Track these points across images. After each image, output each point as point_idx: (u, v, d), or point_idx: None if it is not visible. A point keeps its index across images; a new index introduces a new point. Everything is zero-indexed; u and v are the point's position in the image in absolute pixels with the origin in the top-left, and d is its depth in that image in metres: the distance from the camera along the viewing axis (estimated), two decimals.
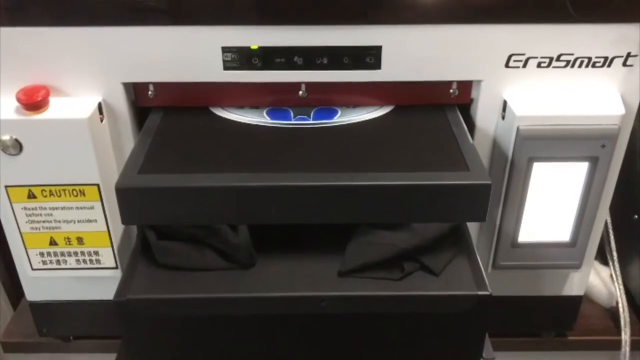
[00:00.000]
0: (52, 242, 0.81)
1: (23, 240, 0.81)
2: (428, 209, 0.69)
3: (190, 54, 0.75)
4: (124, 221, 0.70)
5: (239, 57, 0.76)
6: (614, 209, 0.90)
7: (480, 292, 0.70)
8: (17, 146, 0.74)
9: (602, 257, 1.02)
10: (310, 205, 0.69)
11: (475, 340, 0.74)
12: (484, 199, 0.69)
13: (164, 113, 0.81)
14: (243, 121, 0.79)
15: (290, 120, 0.79)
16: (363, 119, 0.79)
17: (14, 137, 0.74)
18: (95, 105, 0.76)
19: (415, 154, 0.73)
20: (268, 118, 0.79)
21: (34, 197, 0.78)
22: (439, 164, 0.71)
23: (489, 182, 0.68)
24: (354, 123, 0.79)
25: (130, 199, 0.68)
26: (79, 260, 0.83)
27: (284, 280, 0.72)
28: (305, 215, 0.69)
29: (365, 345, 0.75)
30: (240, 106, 0.82)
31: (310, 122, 0.79)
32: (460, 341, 0.74)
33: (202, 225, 0.72)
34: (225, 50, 0.75)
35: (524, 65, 0.77)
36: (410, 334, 0.74)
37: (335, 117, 0.80)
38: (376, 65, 0.76)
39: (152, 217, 0.71)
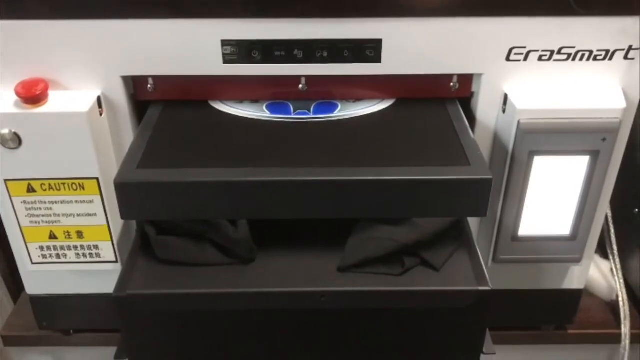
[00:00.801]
0: (52, 236, 0.81)
1: (23, 234, 0.81)
2: (429, 204, 0.69)
3: (189, 47, 0.75)
4: (123, 216, 0.70)
5: (238, 51, 0.75)
6: (614, 202, 0.90)
7: (480, 288, 0.70)
8: (16, 140, 0.74)
9: (603, 250, 1.02)
10: (310, 200, 0.68)
11: (476, 335, 0.74)
12: (485, 194, 0.68)
13: (163, 107, 0.81)
14: (242, 115, 0.79)
15: (290, 114, 0.79)
16: (363, 113, 0.79)
17: (13, 130, 0.73)
18: (95, 98, 0.76)
19: (416, 149, 0.73)
20: (268, 112, 0.79)
21: (34, 191, 0.78)
22: (439, 158, 0.71)
23: (490, 176, 0.67)
24: (354, 117, 0.78)
25: (129, 194, 0.68)
26: (78, 254, 0.83)
27: (284, 275, 0.72)
28: (305, 210, 0.69)
29: (366, 340, 0.74)
30: (240, 100, 0.82)
31: (311, 116, 0.78)
32: (460, 336, 0.74)
33: (201, 220, 0.72)
34: (224, 43, 0.75)
35: (525, 59, 0.76)
36: (411, 329, 0.74)
37: (336, 112, 0.79)
38: (376, 58, 0.76)
39: (152, 212, 0.70)
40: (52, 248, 0.82)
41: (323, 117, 0.78)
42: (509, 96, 0.77)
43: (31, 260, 0.83)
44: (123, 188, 0.67)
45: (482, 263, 0.73)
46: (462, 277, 0.71)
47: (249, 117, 0.78)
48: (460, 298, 0.70)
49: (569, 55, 0.76)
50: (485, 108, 0.80)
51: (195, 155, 0.72)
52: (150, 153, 0.71)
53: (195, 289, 0.70)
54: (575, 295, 0.96)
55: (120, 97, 0.78)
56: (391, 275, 0.71)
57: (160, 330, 0.73)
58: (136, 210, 0.70)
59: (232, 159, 0.71)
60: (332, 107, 0.80)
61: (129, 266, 0.73)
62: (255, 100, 0.82)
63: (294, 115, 0.79)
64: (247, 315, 0.72)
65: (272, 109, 0.80)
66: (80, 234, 0.81)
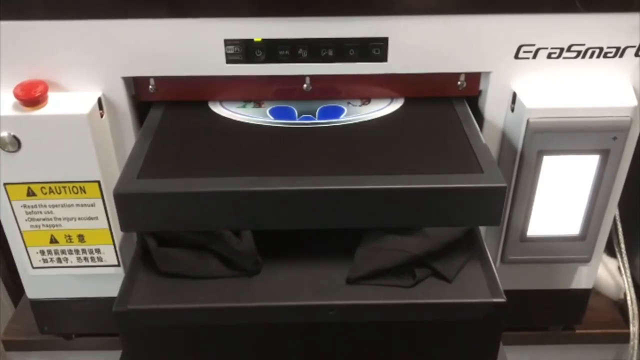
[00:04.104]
0: (53, 240, 0.80)
1: (23, 239, 0.80)
2: (440, 213, 0.67)
3: (191, 47, 0.74)
4: (123, 228, 0.68)
5: (241, 50, 0.74)
6: (621, 200, 0.89)
7: (494, 299, 0.68)
8: (16, 143, 0.73)
9: (610, 249, 1.01)
10: (317, 209, 0.66)
11: (490, 348, 0.72)
12: (499, 202, 0.67)
13: (164, 110, 0.79)
14: (246, 121, 0.77)
15: (295, 119, 0.77)
16: (370, 118, 0.77)
17: (12, 133, 0.72)
18: (95, 100, 0.75)
19: (425, 155, 0.71)
20: (272, 117, 0.77)
21: (34, 194, 0.77)
22: (451, 165, 0.69)
23: (505, 184, 0.66)
24: (360, 122, 0.77)
25: (130, 205, 0.66)
26: (80, 258, 0.82)
27: (290, 288, 0.70)
28: (312, 220, 0.67)
29: (375, 354, 0.73)
30: (243, 103, 0.80)
31: (316, 121, 0.77)
32: (473, 349, 0.72)
33: (204, 232, 0.70)
34: (227, 43, 0.73)
35: (534, 56, 0.75)
36: (422, 342, 0.72)
37: (342, 116, 0.78)
38: (382, 57, 0.75)
39: (153, 224, 0.68)
40: (53, 252, 0.81)
41: (328, 122, 0.76)
42: (518, 95, 0.76)
43: (32, 264, 0.82)
44: (123, 199, 0.65)
45: (496, 273, 0.72)
46: (475, 289, 0.70)
47: (253, 122, 0.77)
48: (474, 310, 0.68)
49: (579, 52, 0.75)
50: (493, 107, 0.79)
51: (198, 163, 0.70)
52: (150, 162, 0.70)
53: (198, 303, 0.68)
54: (583, 295, 0.95)
55: (121, 99, 0.77)
56: (402, 287, 0.70)
57: (163, 345, 0.72)
58: (137, 221, 0.68)
59: (235, 167, 0.69)
60: (337, 112, 0.78)
61: (129, 279, 0.71)
62: (259, 99, 0.80)
63: (298, 121, 0.77)
64: (252, 329, 0.71)
65: (276, 114, 0.78)
66: (81, 238, 0.80)
